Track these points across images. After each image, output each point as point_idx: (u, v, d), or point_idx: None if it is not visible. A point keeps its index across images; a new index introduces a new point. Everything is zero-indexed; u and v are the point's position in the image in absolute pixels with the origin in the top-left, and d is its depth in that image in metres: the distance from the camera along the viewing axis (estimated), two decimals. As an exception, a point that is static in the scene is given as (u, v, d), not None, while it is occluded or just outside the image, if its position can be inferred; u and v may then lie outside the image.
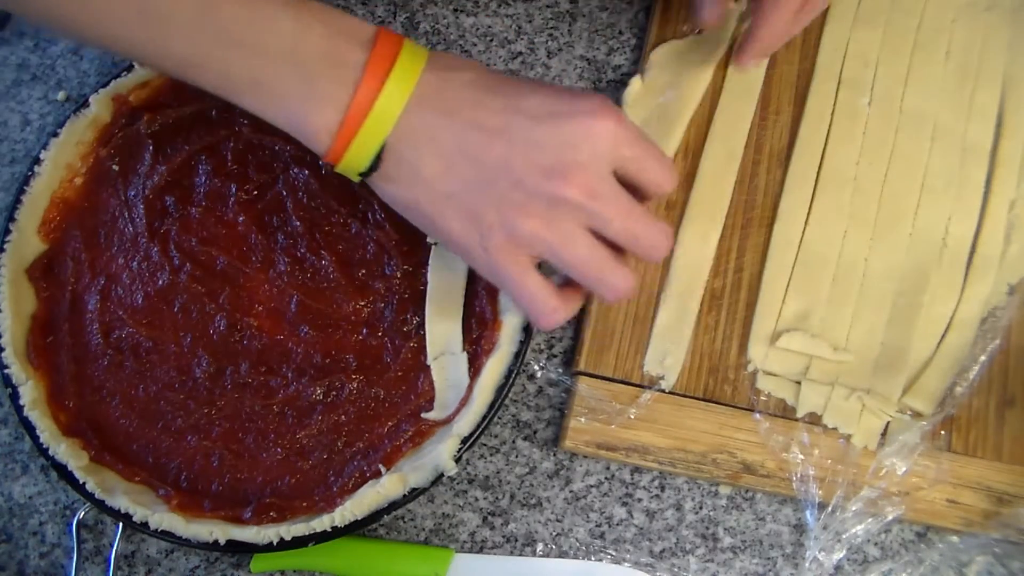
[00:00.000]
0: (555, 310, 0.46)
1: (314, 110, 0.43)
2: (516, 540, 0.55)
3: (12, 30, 0.67)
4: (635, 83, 0.60)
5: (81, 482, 0.52)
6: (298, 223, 0.57)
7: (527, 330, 0.53)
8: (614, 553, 0.55)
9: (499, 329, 0.53)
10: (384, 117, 0.42)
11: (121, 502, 0.51)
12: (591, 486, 0.56)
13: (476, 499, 0.56)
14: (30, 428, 0.53)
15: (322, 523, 0.50)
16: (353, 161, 0.44)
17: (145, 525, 0.51)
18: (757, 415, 0.55)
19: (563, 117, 0.43)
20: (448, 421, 0.53)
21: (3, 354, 0.54)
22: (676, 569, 0.55)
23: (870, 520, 0.53)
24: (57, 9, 0.43)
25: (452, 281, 0.55)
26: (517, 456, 0.57)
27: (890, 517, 0.53)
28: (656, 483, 0.56)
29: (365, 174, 0.45)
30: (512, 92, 0.44)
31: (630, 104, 0.60)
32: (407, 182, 0.44)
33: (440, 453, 0.51)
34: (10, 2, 0.44)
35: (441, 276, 0.55)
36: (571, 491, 0.56)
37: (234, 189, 0.58)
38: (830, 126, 0.60)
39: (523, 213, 0.43)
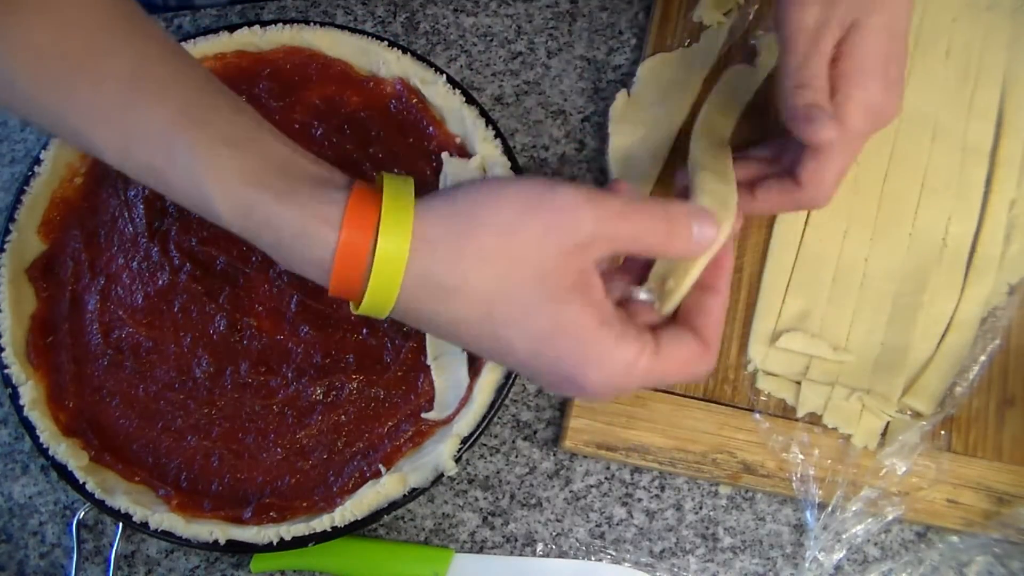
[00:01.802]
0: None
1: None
2: (516, 540, 0.55)
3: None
4: (621, 97, 0.60)
5: (81, 482, 0.52)
6: (298, 223, 0.57)
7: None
8: (614, 553, 0.55)
9: (499, 329, 0.53)
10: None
11: (121, 502, 0.51)
12: (591, 486, 0.56)
13: (476, 499, 0.56)
14: (30, 428, 0.53)
15: (322, 523, 0.50)
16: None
17: (145, 525, 0.51)
18: (757, 415, 0.55)
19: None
20: (448, 421, 0.53)
21: (3, 354, 0.54)
22: (676, 569, 0.55)
23: (870, 520, 0.53)
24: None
25: (452, 281, 0.55)
26: (517, 456, 0.57)
27: (890, 517, 0.53)
28: (656, 483, 0.56)
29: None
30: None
31: (616, 119, 0.60)
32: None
33: (440, 453, 0.51)
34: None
35: (441, 276, 0.55)
36: (571, 491, 0.56)
37: (234, 189, 0.58)
38: (830, 126, 0.60)
39: None
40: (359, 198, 0.38)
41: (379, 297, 0.38)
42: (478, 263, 0.37)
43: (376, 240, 0.37)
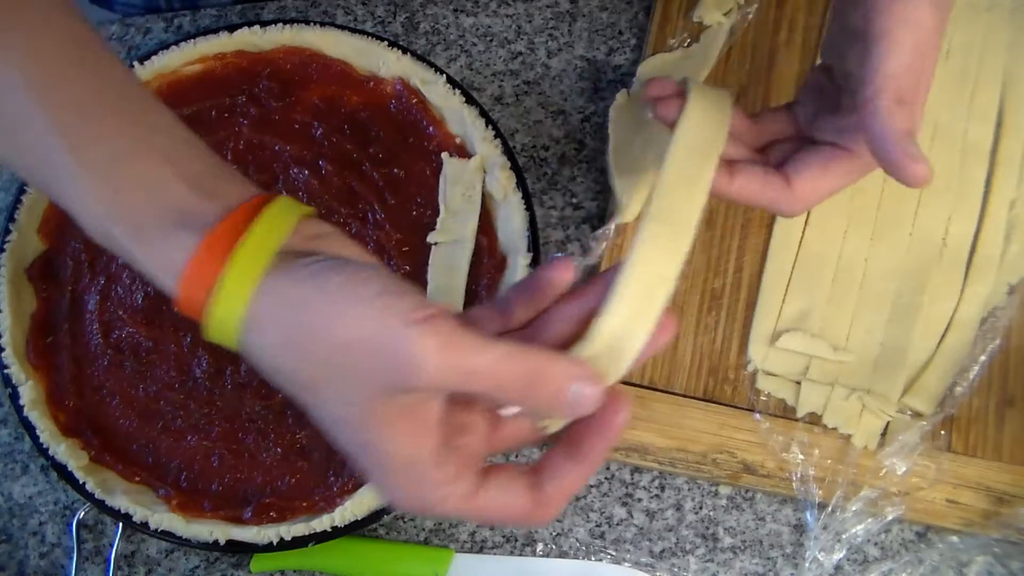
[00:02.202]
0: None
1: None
2: (516, 540, 0.55)
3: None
4: (621, 97, 0.60)
5: (81, 482, 0.52)
6: (298, 223, 0.57)
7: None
8: (614, 553, 0.55)
9: (499, 329, 0.53)
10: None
11: (121, 502, 0.51)
12: (591, 486, 0.56)
13: (476, 499, 0.56)
14: (30, 428, 0.53)
15: (322, 523, 0.50)
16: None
17: (145, 525, 0.51)
18: (757, 415, 0.55)
19: None
20: (448, 421, 0.53)
21: (3, 354, 0.54)
22: (676, 569, 0.55)
23: (870, 520, 0.53)
24: None
25: (452, 282, 0.55)
26: (517, 456, 0.57)
27: (890, 517, 0.53)
28: (656, 483, 0.56)
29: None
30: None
31: (616, 119, 0.60)
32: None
33: (440, 453, 0.51)
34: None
35: (441, 276, 0.55)
36: (571, 491, 0.56)
37: (234, 189, 0.58)
38: (830, 126, 0.59)
39: None
40: (207, 249, 0.35)
41: (223, 345, 0.36)
42: (301, 366, 0.35)
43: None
